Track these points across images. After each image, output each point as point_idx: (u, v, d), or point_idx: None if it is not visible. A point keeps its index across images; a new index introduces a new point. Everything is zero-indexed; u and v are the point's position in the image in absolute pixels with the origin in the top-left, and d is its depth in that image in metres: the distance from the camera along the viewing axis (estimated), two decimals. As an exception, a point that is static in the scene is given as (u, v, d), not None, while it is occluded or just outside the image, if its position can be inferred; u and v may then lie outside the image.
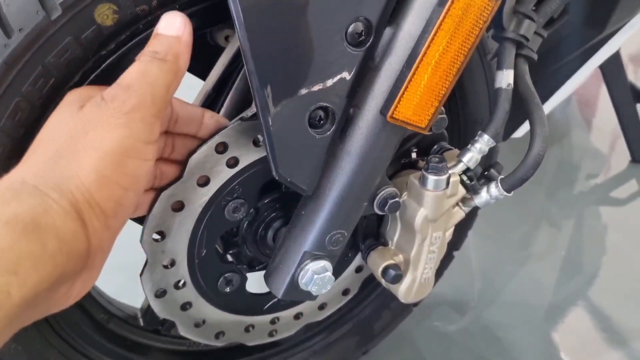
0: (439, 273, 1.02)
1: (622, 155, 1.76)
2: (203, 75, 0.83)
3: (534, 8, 0.68)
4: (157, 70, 0.49)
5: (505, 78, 0.66)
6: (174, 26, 0.51)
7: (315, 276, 0.64)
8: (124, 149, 0.45)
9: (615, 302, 1.29)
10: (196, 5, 0.58)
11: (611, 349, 1.17)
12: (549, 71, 1.10)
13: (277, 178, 0.59)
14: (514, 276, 1.33)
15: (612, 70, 1.55)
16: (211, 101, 0.76)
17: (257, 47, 0.52)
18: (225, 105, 0.75)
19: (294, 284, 0.66)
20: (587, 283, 1.35)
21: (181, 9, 0.57)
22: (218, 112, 0.76)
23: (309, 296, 0.67)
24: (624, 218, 1.55)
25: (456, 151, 0.73)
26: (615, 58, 1.54)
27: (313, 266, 0.65)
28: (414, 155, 0.74)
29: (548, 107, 1.25)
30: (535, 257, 1.39)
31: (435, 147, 0.74)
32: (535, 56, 0.68)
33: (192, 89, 0.78)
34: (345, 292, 0.86)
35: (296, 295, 0.67)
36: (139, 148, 0.46)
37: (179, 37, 0.51)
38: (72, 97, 0.50)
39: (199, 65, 0.86)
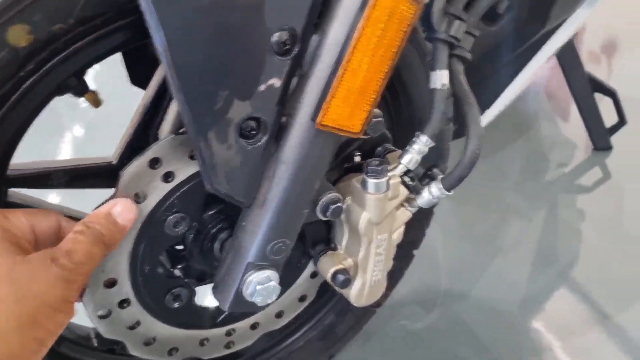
0: (399, 273, 1.03)
1: (586, 144, 1.78)
2: (145, 87, 0.82)
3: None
4: (99, 253, 0.56)
5: (439, 78, 0.66)
6: (126, 218, 0.59)
7: (259, 287, 0.64)
8: (59, 305, 0.52)
9: (585, 291, 1.31)
10: (120, 20, 0.57)
11: (584, 339, 1.18)
12: (500, 64, 1.11)
13: (212, 192, 0.58)
14: (482, 270, 1.34)
15: (569, 62, 1.57)
16: (150, 116, 0.75)
17: (179, 62, 0.52)
18: (165, 118, 0.75)
19: (239, 295, 0.65)
20: (556, 274, 1.36)
21: (104, 24, 0.56)
22: (158, 127, 0.75)
23: (254, 307, 0.66)
24: (589, 206, 1.57)
25: (399, 152, 0.73)
26: (571, 50, 1.56)
27: (257, 277, 0.64)
28: (357, 158, 0.74)
29: (505, 99, 1.26)
30: (503, 250, 1.40)
31: (379, 149, 0.75)
32: (469, 56, 0.69)
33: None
34: (302, 299, 0.85)
35: (243, 306, 0.66)
36: (68, 306, 0.54)
37: (125, 228, 0.59)
38: None
39: (140, 77, 0.86)
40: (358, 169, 0.74)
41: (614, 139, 1.74)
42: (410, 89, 0.80)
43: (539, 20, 0.95)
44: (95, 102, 0.69)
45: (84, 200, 0.74)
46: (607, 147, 1.70)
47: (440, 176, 0.68)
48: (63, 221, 0.60)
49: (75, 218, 0.68)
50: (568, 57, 1.56)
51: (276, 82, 0.57)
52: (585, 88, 1.60)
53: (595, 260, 1.38)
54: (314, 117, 0.57)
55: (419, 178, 0.70)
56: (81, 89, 0.65)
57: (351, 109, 0.58)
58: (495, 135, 1.81)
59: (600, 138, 1.68)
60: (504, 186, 1.62)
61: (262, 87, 0.56)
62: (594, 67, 2.35)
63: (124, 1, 0.54)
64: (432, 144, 0.67)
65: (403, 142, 0.84)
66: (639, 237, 1.44)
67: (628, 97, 1.99)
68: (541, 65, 1.21)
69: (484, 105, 1.17)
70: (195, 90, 0.53)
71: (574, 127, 1.88)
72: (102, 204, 0.60)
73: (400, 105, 0.82)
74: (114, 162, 0.73)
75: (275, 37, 0.55)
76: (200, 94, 0.54)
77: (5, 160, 0.58)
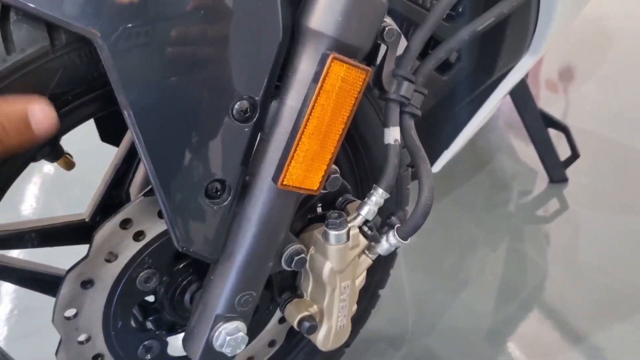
0: (367, 313, 1.06)
1: (545, 177, 1.86)
2: (114, 143, 0.86)
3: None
4: None
5: (392, 135, 0.71)
6: (42, 127, 0.51)
7: (228, 337, 0.67)
8: None
9: (547, 319, 1.37)
10: (90, 93, 0.61)
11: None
12: (455, 109, 1.18)
13: (180, 250, 0.62)
14: (447, 305, 1.38)
15: (522, 100, 1.66)
16: (122, 173, 0.79)
17: (146, 133, 0.56)
18: (136, 176, 0.78)
19: (209, 346, 0.68)
20: (518, 304, 1.42)
21: (76, 98, 0.60)
22: (129, 184, 0.79)
23: (224, 358, 0.69)
24: (547, 237, 1.64)
25: (359, 202, 0.77)
26: (523, 88, 1.65)
27: (226, 328, 0.67)
28: (319, 209, 0.78)
29: (462, 139, 1.33)
30: (467, 283, 1.45)
31: (339, 199, 0.79)
32: (418, 112, 0.74)
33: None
34: (271, 344, 0.88)
35: (213, 357, 0.69)
36: None
37: (35, 138, 0.50)
38: None
39: (110, 134, 0.90)
40: (321, 219, 0.78)
41: (570, 171, 1.83)
42: (369, 143, 0.85)
43: (486, 70, 1.02)
44: (68, 165, 0.72)
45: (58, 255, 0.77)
46: (563, 180, 1.79)
47: (397, 225, 0.73)
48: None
49: (47, 274, 0.70)
50: (520, 95, 1.65)
51: (239, 146, 0.61)
52: (538, 124, 1.69)
53: (554, 290, 1.45)
54: (275, 178, 0.62)
55: (377, 227, 0.75)
56: (55, 155, 0.69)
57: (309, 170, 0.62)
58: (457, 170, 1.88)
59: (556, 171, 1.77)
60: (466, 219, 1.68)
61: (225, 152, 0.60)
62: (551, 96, 2.47)
63: (93, 77, 0.58)
64: (388, 196, 0.72)
65: (365, 190, 0.89)
66: (595, 266, 1.51)
67: (582, 129, 2.10)
68: (495, 106, 1.29)
69: (443, 146, 1.24)
70: (162, 157, 0.57)
71: (532, 160, 1.97)
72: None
73: (362, 157, 0.87)
74: (87, 219, 0.76)
75: (237, 106, 0.59)
76: (167, 161, 0.57)
77: (-20, 227, 0.60)
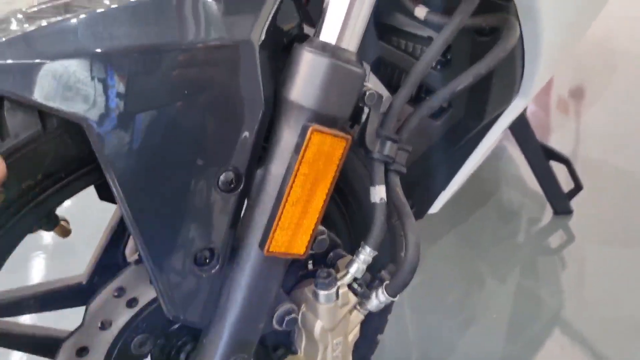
0: (366, 359, 1.07)
1: (548, 208, 1.86)
2: (114, 200, 0.88)
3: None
4: None
5: (377, 193, 0.73)
6: None
7: (221, 400, 0.68)
8: None
9: (554, 356, 1.35)
10: (83, 168, 0.63)
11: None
12: (449, 152, 1.19)
13: (171, 319, 0.64)
14: (453, 342, 1.38)
15: (522, 135, 1.67)
16: (118, 235, 0.81)
17: (135, 207, 0.58)
18: (130, 239, 0.81)
19: (203, 408, 0.69)
20: (525, 341, 1.40)
21: (68, 173, 0.63)
22: (124, 247, 0.81)
23: (218, 419, 0.70)
24: (553, 271, 1.63)
25: (349, 257, 0.79)
26: (523, 123, 1.66)
27: (219, 390, 0.69)
28: (310, 266, 0.80)
29: (458, 180, 1.34)
30: (472, 320, 1.45)
31: (330, 254, 0.80)
32: (404, 170, 0.76)
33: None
34: (269, 398, 0.89)
35: (207, 419, 0.70)
36: None
37: None
38: None
39: (108, 193, 0.92)
40: (312, 274, 0.79)
41: (576, 202, 1.82)
42: (360, 196, 0.87)
43: (476, 115, 1.04)
44: (64, 233, 0.74)
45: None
46: (568, 212, 1.78)
47: (386, 282, 0.74)
48: None
49: (47, 337, 0.72)
50: (520, 129, 1.66)
51: (225, 215, 0.63)
52: (539, 157, 1.69)
53: (561, 325, 1.43)
54: (261, 246, 0.63)
55: (367, 283, 0.76)
56: (51, 224, 0.71)
57: (294, 236, 0.64)
58: (461, 203, 1.88)
59: (560, 203, 1.76)
60: (471, 253, 1.68)
61: (212, 222, 0.63)
62: (555, 124, 2.47)
63: (84, 155, 0.61)
64: (376, 253, 0.73)
65: (358, 240, 0.90)
66: (603, 300, 1.49)
67: (587, 157, 2.10)
68: (490, 146, 1.31)
69: (440, 188, 1.25)
70: (150, 230, 0.59)
71: (538, 191, 1.97)
72: None
73: (353, 210, 0.88)
74: (84, 282, 0.78)
75: (222, 177, 0.61)
76: (155, 234, 0.60)
77: (-21, 300, 0.63)
